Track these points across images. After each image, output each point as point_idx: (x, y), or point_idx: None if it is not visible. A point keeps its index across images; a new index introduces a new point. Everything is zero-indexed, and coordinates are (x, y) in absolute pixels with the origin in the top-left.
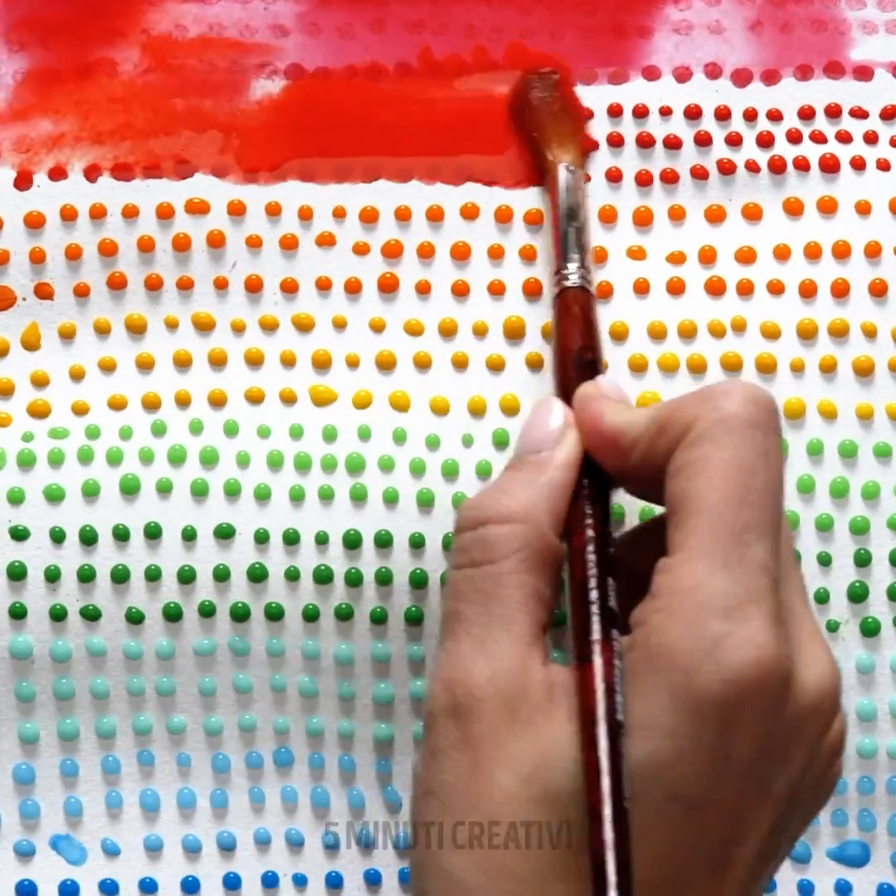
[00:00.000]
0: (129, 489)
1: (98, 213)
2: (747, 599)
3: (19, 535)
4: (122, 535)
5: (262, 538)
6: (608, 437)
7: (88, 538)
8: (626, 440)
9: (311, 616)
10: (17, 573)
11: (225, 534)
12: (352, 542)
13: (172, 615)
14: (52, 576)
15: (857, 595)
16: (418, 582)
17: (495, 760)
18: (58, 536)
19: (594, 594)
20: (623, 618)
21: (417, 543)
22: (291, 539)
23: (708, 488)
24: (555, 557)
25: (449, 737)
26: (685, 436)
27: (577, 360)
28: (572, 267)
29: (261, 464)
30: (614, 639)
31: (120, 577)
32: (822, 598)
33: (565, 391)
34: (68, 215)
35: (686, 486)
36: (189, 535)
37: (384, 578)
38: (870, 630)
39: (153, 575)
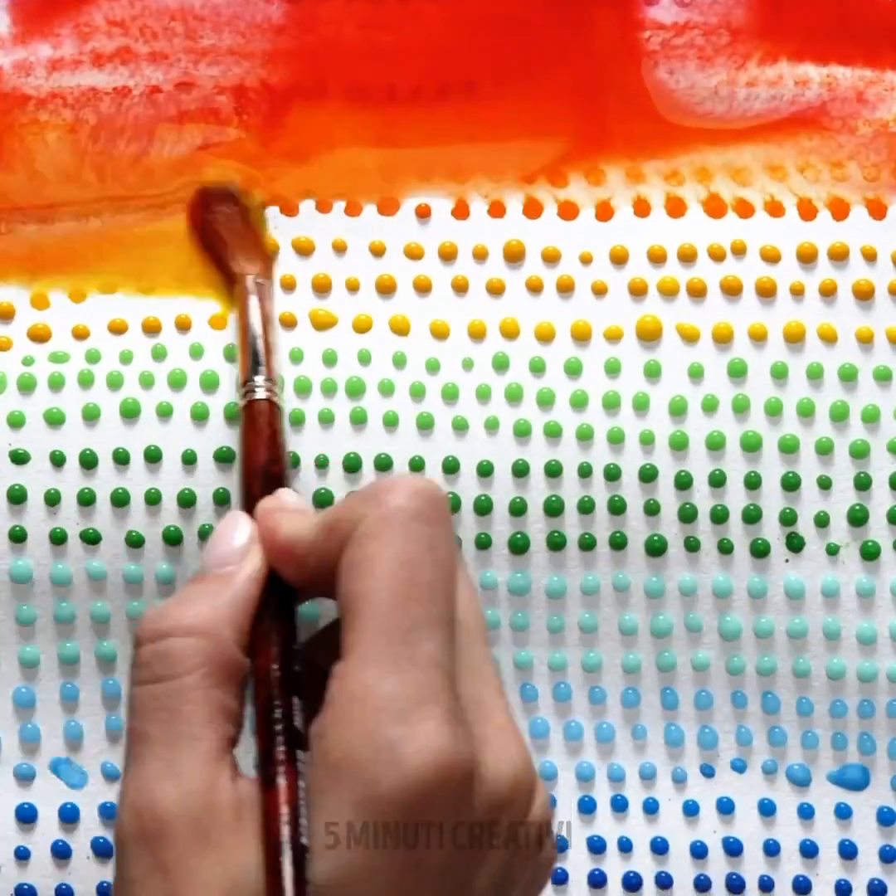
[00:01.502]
0: (130, 413)
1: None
2: (421, 700)
3: (19, 458)
4: (122, 458)
5: None
6: (285, 548)
7: (88, 462)
8: (300, 549)
9: None
10: (17, 497)
11: (225, 458)
12: (352, 465)
13: (172, 539)
14: (53, 499)
15: (857, 519)
16: None
17: (189, 887)
18: (58, 460)
19: (278, 713)
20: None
21: (417, 467)
22: (291, 463)
23: (374, 588)
24: (239, 671)
25: (142, 865)
26: (352, 536)
27: (262, 475)
28: (259, 379)
29: None
30: (298, 759)
31: (120, 500)
32: (823, 521)
33: (251, 505)
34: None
35: (354, 587)
36: (189, 459)
37: None
38: (870, 553)
39: (153, 499)
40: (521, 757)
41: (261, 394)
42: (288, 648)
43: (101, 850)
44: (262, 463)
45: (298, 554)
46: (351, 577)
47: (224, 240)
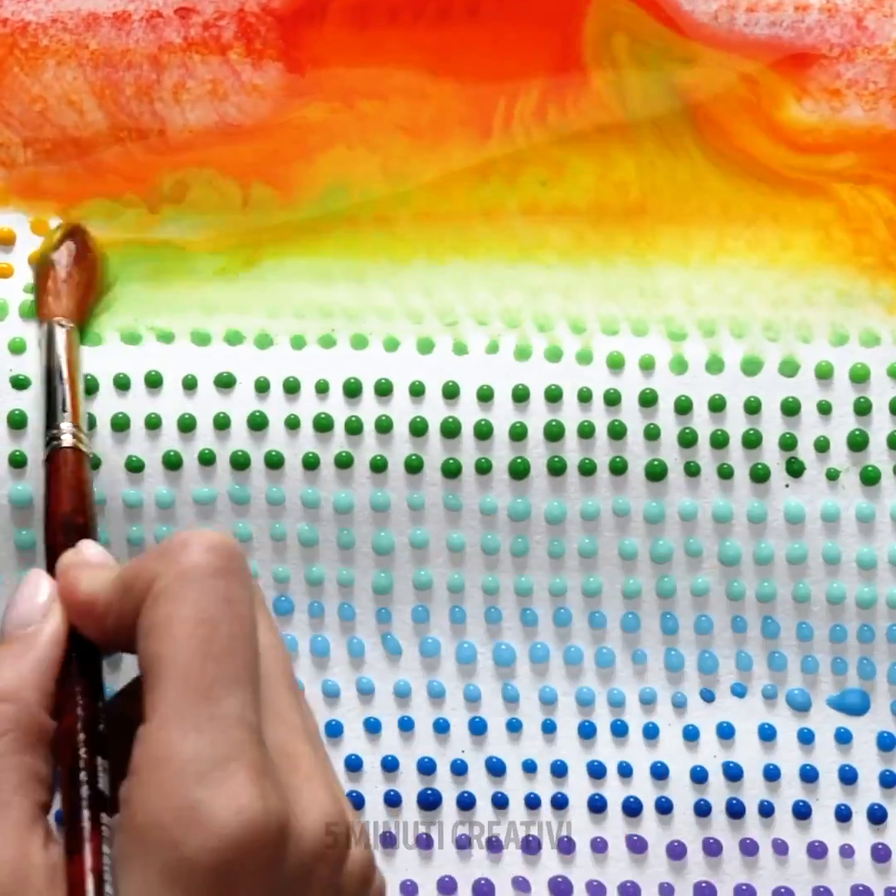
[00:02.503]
0: (131, 339)
1: None
2: (225, 757)
3: (20, 383)
4: (122, 383)
5: (262, 387)
6: (84, 606)
7: (89, 387)
8: (100, 607)
9: (310, 464)
10: (17, 421)
11: (225, 382)
12: (352, 389)
13: (172, 463)
14: None
15: (857, 443)
16: (418, 430)
17: None
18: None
19: (83, 775)
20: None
21: (417, 392)
22: (292, 387)
23: (171, 649)
24: (47, 734)
25: None
26: (148, 595)
27: (65, 526)
28: (65, 426)
29: (261, 313)
30: (103, 823)
31: (120, 424)
32: (822, 446)
33: (52, 557)
34: None
35: (153, 648)
36: (190, 384)
37: (384, 426)
38: (870, 478)
39: (153, 423)
40: (331, 802)
41: (66, 441)
42: (93, 708)
43: None
44: (65, 513)
45: (97, 612)
46: (150, 637)
47: (42, 277)
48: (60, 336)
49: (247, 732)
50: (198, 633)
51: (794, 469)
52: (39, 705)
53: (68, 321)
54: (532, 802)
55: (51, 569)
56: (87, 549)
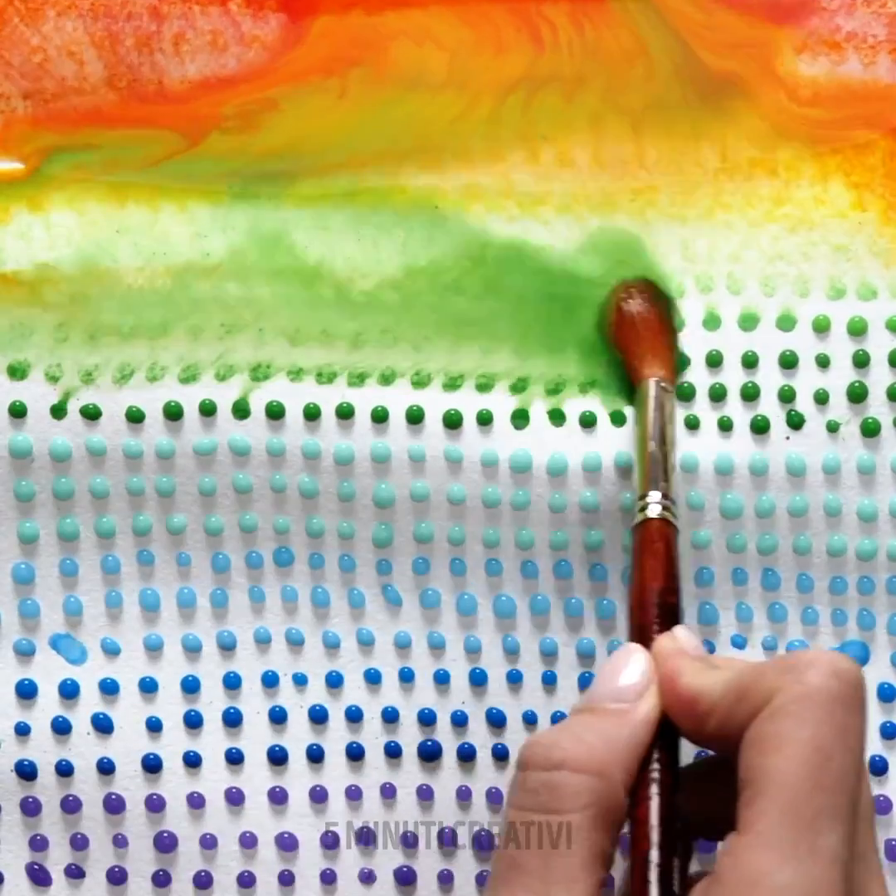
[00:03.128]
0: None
1: None
2: (814, 894)
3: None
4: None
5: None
6: (685, 700)
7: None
8: (703, 705)
9: (311, 414)
10: (18, 371)
11: (228, 331)
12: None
13: (173, 414)
14: (53, 376)
15: (857, 395)
16: (421, 383)
17: None
18: (61, 335)
19: (652, 875)
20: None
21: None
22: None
23: (782, 768)
24: (622, 815)
25: None
26: (764, 708)
27: (658, 602)
28: (656, 496)
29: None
30: None
31: (123, 374)
32: (822, 398)
33: (642, 633)
34: None
35: (760, 762)
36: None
37: (387, 378)
38: (870, 430)
39: (155, 375)
40: None
41: (656, 511)
42: (671, 801)
43: (100, 725)
44: (657, 591)
45: (700, 710)
46: (759, 750)
47: (637, 337)
48: (661, 398)
49: (839, 871)
50: (812, 760)
51: (794, 422)
52: (623, 785)
53: (666, 382)
54: None
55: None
56: (684, 638)
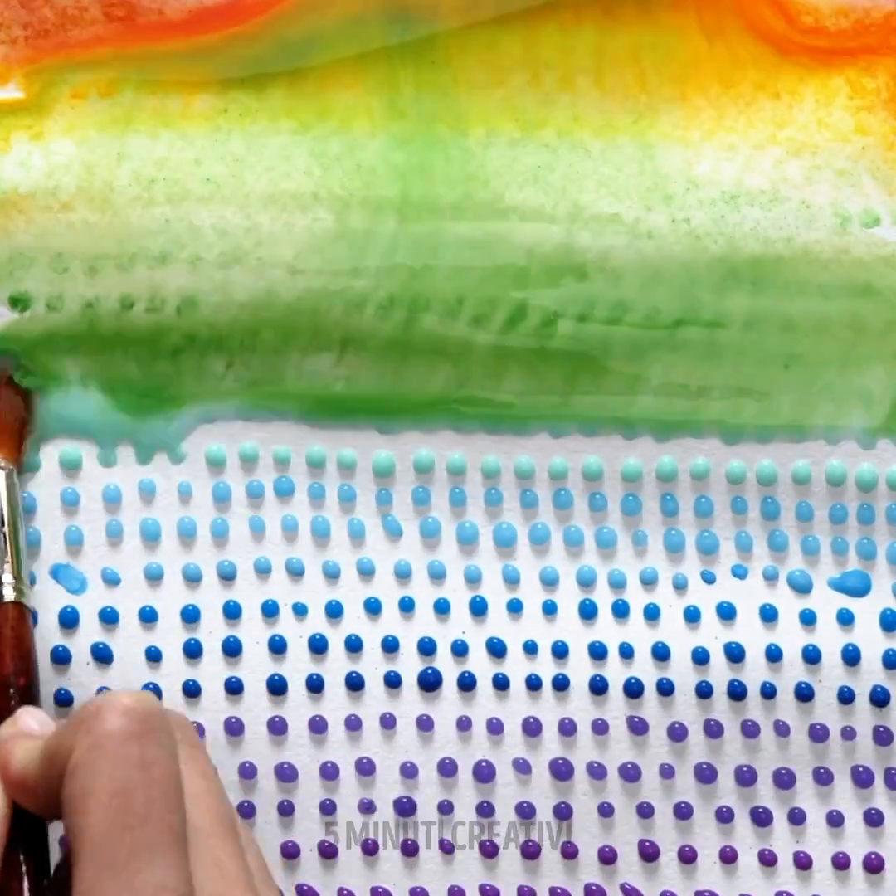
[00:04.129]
0: None
1: None
2: None
3: None
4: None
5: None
6: (18, 780)
7: None
8: (31, 781)
9: None
10: (20, 302)
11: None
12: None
13: None
14: (54, 308)
15: None
16: (418, 307)
17: None
18: None
19: None
20: None
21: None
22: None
23: (89, 823)
24: None
25: None
26: (67, 768)
27: (8, 688)
28: (6, 579)
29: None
30: None
31: (126, 303)
32: (822, 326)
33: None
34: None
35: (73, 821)
36: None
37: (385, 307)
38: None
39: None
40: None
41: (8, 595)
42: (38, 882)
43: (100, 655)
44: (6, 675)
45: (29, 786)
46: (70, 811)
47: None
48: (8, 480)
49: None
50: (113, 804)
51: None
52: None
53: (6, 463)
54: (533, 684)
55: None
56: (25, 719)
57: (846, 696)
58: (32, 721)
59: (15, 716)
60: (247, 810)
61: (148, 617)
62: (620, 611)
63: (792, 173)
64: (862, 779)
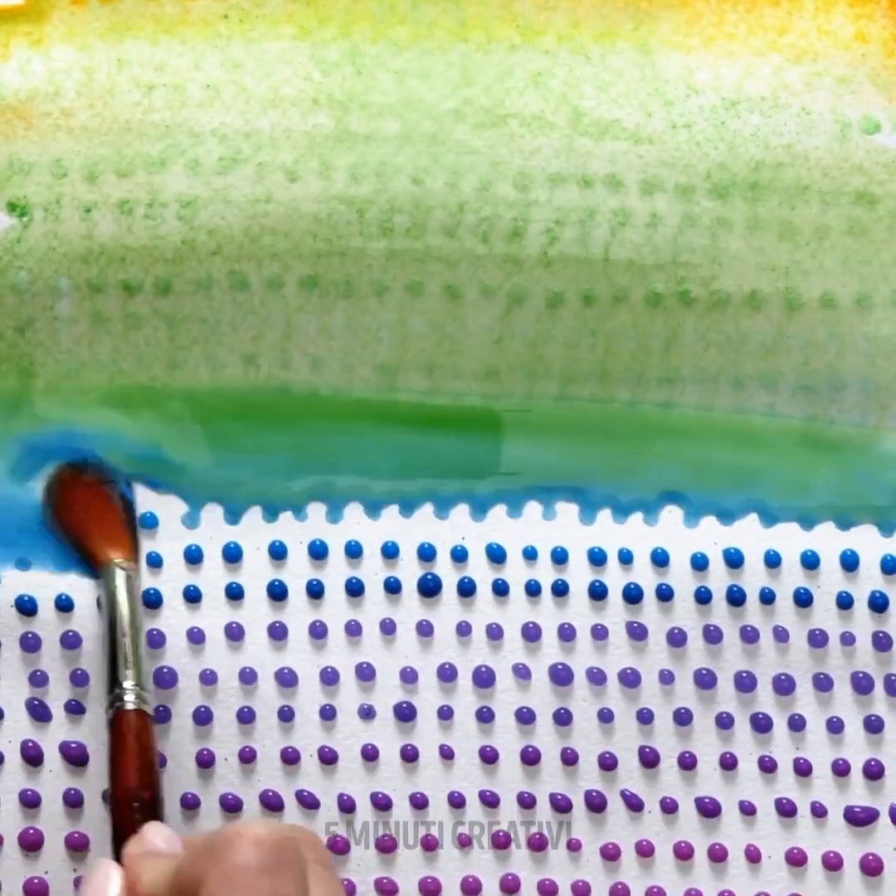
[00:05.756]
0: None
1: None
2: None
3: None
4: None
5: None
6: None
7: None
8: None
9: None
10: (18, 208)
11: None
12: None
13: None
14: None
15: None
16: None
17: None
18: None
19: None
20: None
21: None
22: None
23: None
24: None
25: None
26: None
27: (132, 803)
28: (128, 684)
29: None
30: None
31: (124, 208)
32: (822, 232)
33: (122, 835)
34: None
35: None
36: None
37: (386, 223)
38: None
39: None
40: None
41: (130, 702)
42: None
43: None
44: (132, 789)
45: None
46: None
47: (85, 522)
48: (121, 581)
49: None
50: None
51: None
52: None
53: (127, 564)
54: (532, 589)
55: (118, 848)
56: (151, 837)
57: (845, 602)
58: (159, 839)
59: (141, 833)
60: (246, 716)
61: (149, 523)
62: (619, 516)
63: (792, 80)
64: (862, 685)
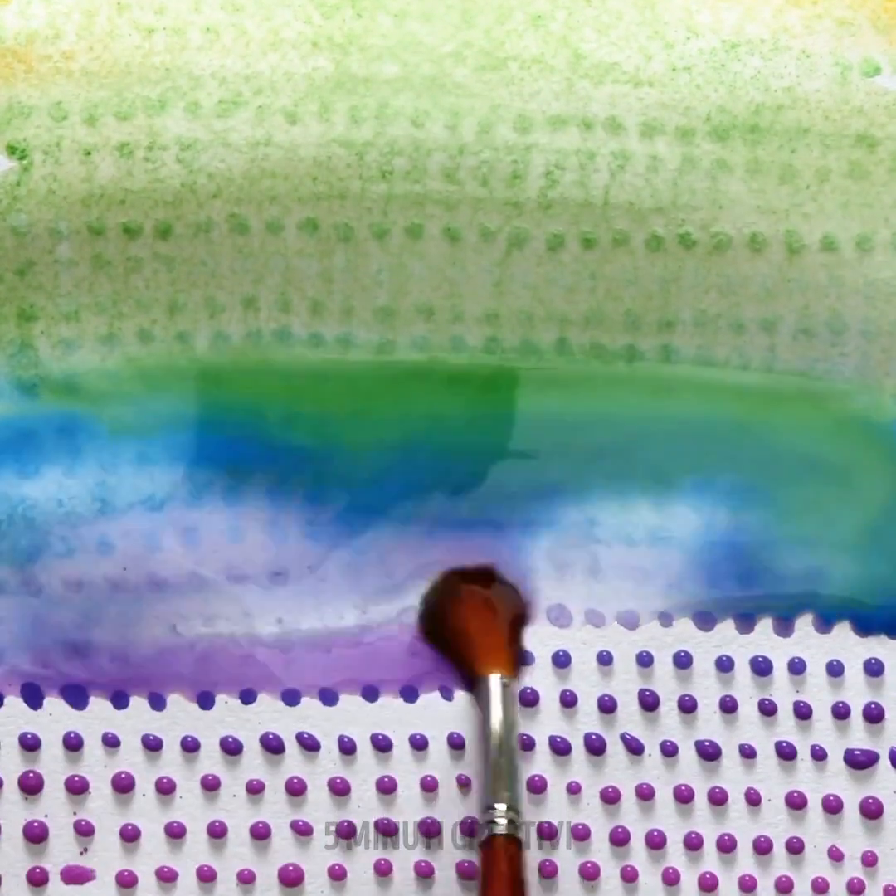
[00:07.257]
0: None
1: None
2: None
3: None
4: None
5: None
6: None
7: None
8: None
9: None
10: (17, 151)
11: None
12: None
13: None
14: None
15: None
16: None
17: None
18: None
19: None
20: None
21: None
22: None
23: None
24: None
25: None
26: None
27: None
28: (501, 808)
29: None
30: None
31: (124, 151)
32: (823, 176)
33: None
34: None
35: None
36: None
37: (386, 168)
38: None
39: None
40: None
41: (502, 826)
42: None
43: None
44: None
45: None
46: None
47: (470, 632)
48: (504, 696)
49: None
50: None
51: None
52: None
53: (507, 677)
54: None
55: None
56: None
57: None
58: None
59: None
60: None
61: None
62: None
63: (792, 22)
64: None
